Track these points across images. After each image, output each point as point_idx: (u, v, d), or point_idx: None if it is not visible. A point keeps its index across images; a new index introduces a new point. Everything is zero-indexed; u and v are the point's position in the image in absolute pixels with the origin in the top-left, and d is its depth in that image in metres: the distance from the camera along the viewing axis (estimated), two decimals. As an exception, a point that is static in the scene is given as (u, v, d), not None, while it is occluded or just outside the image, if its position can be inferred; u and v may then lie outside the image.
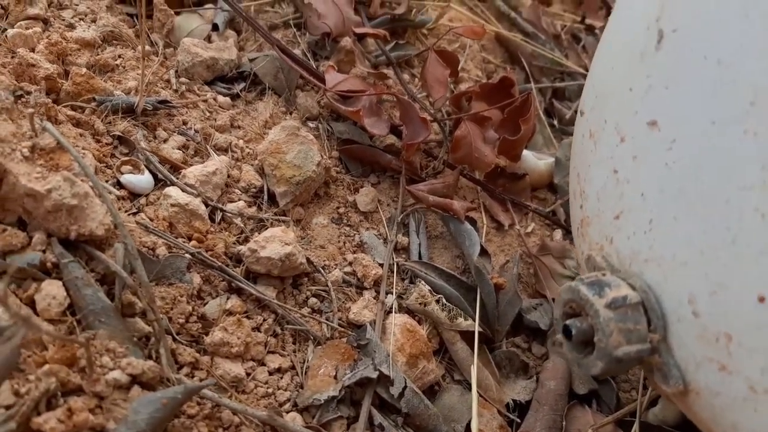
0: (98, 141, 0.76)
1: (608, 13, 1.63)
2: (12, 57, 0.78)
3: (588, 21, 1.49)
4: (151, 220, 0.72)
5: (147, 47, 0.95)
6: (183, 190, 0.75)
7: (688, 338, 0.47)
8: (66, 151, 0.64)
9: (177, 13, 1.02)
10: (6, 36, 0.82)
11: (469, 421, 0.72)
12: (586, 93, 0.61)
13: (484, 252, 0.86)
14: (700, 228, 0.46)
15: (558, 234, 1.00)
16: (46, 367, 0.54)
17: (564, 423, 0.76)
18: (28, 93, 0.71)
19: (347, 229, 0.88)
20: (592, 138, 0.57)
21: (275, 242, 0.74)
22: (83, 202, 0.62)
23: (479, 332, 0.81)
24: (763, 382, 0.42)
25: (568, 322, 0.50)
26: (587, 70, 1.35)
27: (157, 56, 0.94)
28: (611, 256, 0.54)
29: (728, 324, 0.44)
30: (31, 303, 0.59)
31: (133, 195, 0.73)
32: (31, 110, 0.60)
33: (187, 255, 0.70)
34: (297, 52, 0.98)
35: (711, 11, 0.46)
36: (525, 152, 1.03)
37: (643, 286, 0.49)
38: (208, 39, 1.02)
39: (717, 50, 0.46)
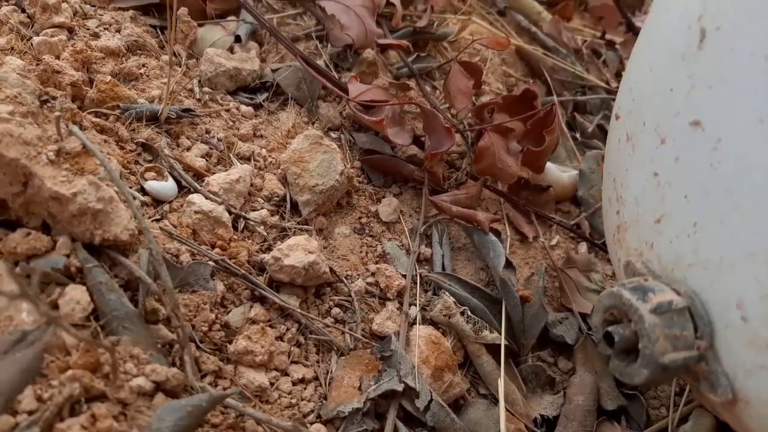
0: (122, 147, 0.76)
1: (628, 29, 1.62)
2: (37, 64, 0.78)
3: (608, 36, 1.49)
4: (175, 226, 0.71)
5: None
6: (207, 198, 0.74)
7: (737, 345, 0.45)
8: (91, 155, 0.63)
9: (200, 25, 1.02)
10: (32, 43, 0.82)
11: (497, 436, 0.70)
12: (622, 96, 0.59)
13: (509, 264, 0.84)
14: (748, 229, 0.44)
15: (583, 247, 0.98)
16: (70, 372, 0.53)
17: (595, 439, 0.74)
18: (54, 98, 0.70)
19: (369, 239, 0.87)
20: (629, 141, 0.55)
21: (299, 251, 0.73)
22: (108, 206, 0.61)
23: (505, 345, 0.79)
24: (820, 389, 0.40)
25: (610, 328, 0.48)
26: (609, 84, 1.34)
27: (180, 66, 0.94)
28: (652, 261, 0.52)
29: (781, 329, 0.42)
30: (55, 307, 0.58)
31: (157, 201, 0.72)
32: (57, 114, 0.59)
33: (211, 262, 0.69)
34: (319, 63, 0.98)
35: (758, 8, 0.45)
36: (548, 165, 1.02)
37: (688, 292, 0.47)
38: (231, 50, 1.02)
39: (764, 46, 0.45)
